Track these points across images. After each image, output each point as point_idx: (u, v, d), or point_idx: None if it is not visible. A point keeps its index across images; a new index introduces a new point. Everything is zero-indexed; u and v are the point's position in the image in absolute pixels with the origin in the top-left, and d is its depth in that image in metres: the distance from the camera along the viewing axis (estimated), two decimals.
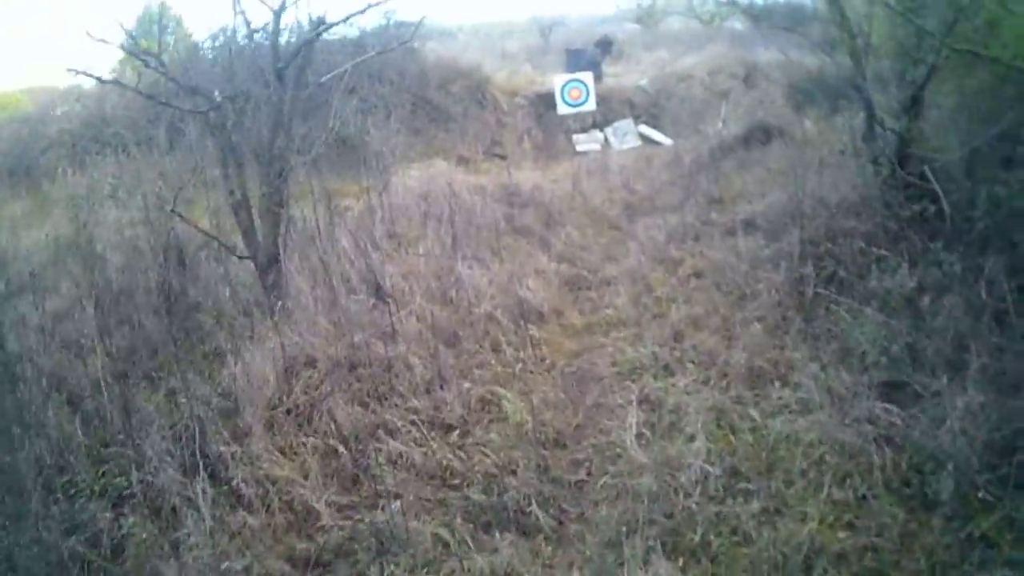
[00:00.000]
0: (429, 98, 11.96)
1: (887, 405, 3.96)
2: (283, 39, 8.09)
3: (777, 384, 4.43)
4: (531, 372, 5.04)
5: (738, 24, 15.53)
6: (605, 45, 15.48)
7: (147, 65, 6.63)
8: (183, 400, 4.65)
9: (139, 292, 6.45)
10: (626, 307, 5.81)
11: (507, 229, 7.07)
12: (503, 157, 11.97)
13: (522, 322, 5.47)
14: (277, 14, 6.78)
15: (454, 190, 8.13)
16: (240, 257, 6.44)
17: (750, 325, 5.08)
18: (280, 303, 5.73)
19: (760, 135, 9.87)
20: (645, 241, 6.83)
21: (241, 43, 11.71)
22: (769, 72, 13.38)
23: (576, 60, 13.74)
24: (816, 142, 9.31)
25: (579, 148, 12.48)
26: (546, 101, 13.00)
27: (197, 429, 4.27)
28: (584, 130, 12.78)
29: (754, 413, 4.22)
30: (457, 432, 4.41)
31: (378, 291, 5.95)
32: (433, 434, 4.37)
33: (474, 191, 8.81)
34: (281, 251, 6.38)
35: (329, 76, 7.72)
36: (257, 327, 5.64)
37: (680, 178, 8.55)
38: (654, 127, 12.86)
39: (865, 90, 6.65)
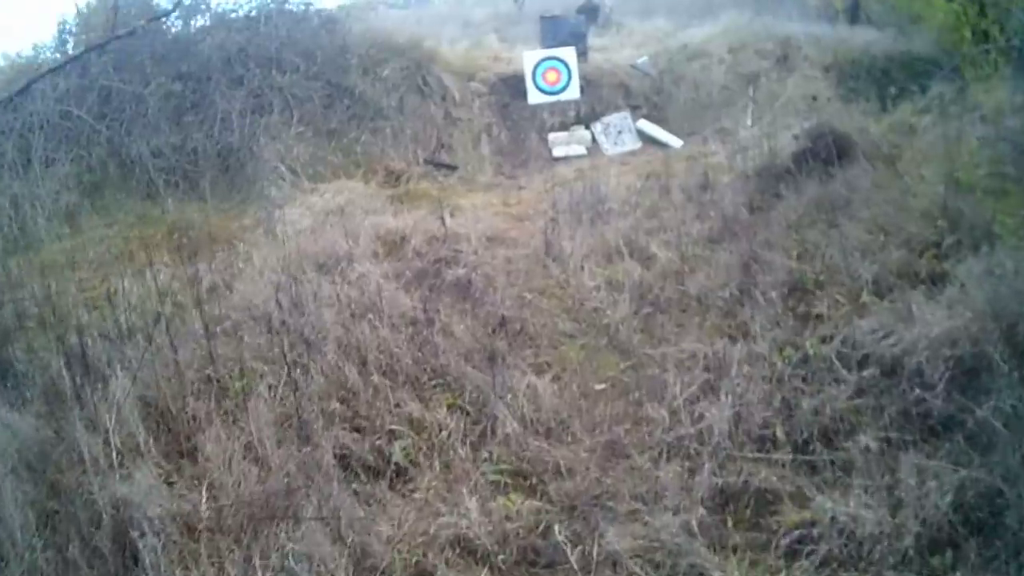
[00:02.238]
0: (349, 87, 8.60)
1: None
2: None
3: None
4: None
5: None
6: (590, 12, 12.07)
7: None
8: None
9: None
10: None
11: (412, 376, 3.82)
12: (451, 168, 8.69)
13: None
14: None
15: (344, 264, 4.91)
16: None
17: None
18: None
19: (825, 147, 6.63)
20: (688, 415, 3.51)
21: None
22: (807, 50, 10.13)
23: (554, 31, 10.37)
24: (910, 161, 6.19)
25: (557, 153, 9.20)
26: (513, 86, 9.68)
27: None
28: (565, 127, 9.49)
29: None
30: None
31: None
32: None
33: (386, 254, 5.57)
34: None
35: None
36: None
37: (722, 231, 5.30)
38: (658, 122, 9.58)
39: None
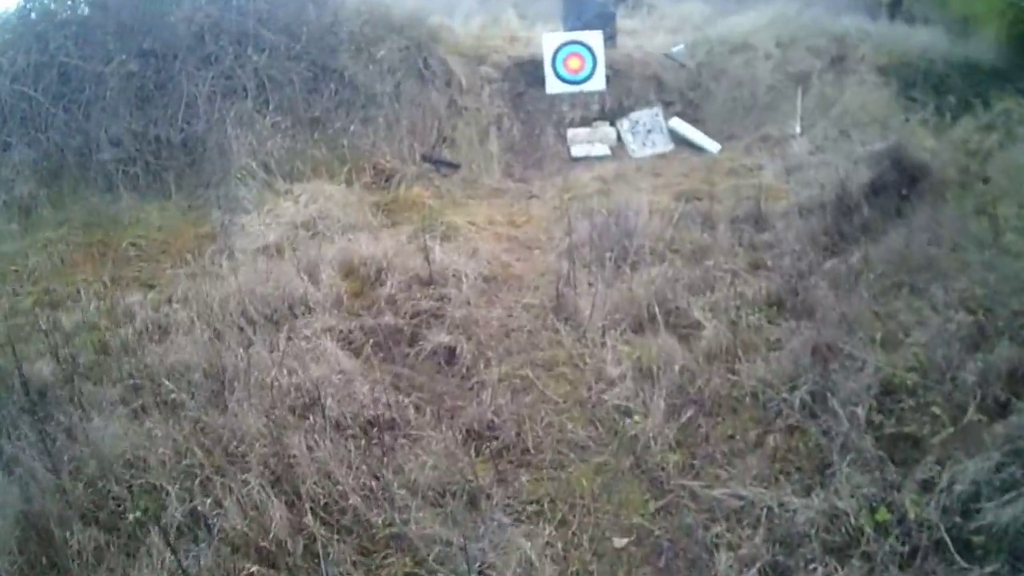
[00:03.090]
0: (338, 69, 7.39)
1: None
2: None
3: None
4: None
5: None
6: None
7: None
8: None
9: None
10: None
11: (362, 520, 2.69)
12: (453, 166, 7.52)
13: None
14: None
15: (298, 313, 3.79)
16: None
17: None
18: None
19: (898, 177, 5.44)
20: None
21: None
22: (863, 49, 8.82)
23: (578, 11, 9.09)
24: (991, 196, 5.08)
25: (576, 152, 7.99)
26: (529, 72, 8.45)
27: None
28: (587, 122, 8.26)
29: None
30: None
31: None
32: None
33: (353, 299, 4.44)
34: None
35: None
36: None
37: (784, 291, 4.13)
38: (694, 122, 8.34)
39: None
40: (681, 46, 9.01)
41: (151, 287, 5.15)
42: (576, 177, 7.29)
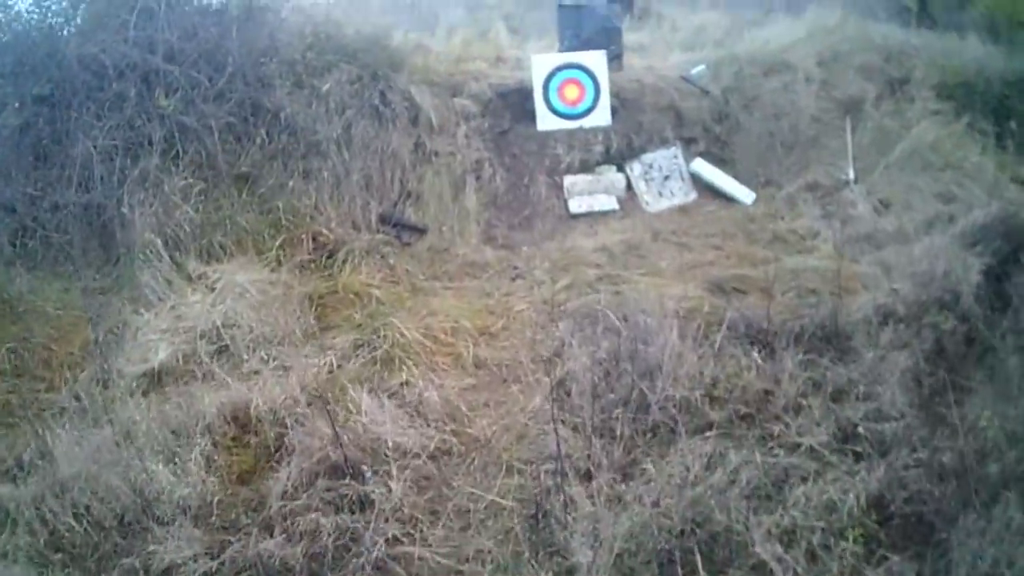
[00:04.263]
0: (272, 108, 5.84)
1: None
2: None
3: None
4: None
5: None
6: (626, 0, 9.09)
7: None
8: None
9: None
10: None
11: None
12: (418, 231, 5.98)
13: None
14: None
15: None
16: None
17: None
18: None
19: (1007, 247, 3.87)
20: None
21: None
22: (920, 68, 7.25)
23: (576, 25, 7.50)
24: None
25: (576, 208, 6.40)
26: (516, 104, 6.88)
27: None
28: (588, 167, 6.65)
29: None
30: None
31: None
32: None
33: (214, 514, 2.90)
34: None
35: None
36: None
37: (897, 518, 2.59)
38: (721, 163, 6.76)
39: None
40: (702, 67, 7.42)
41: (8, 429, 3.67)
42: (574, 245, 5.74)
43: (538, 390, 3.57)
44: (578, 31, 7.45)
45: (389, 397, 3.41)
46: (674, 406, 3.14)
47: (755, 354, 3.52)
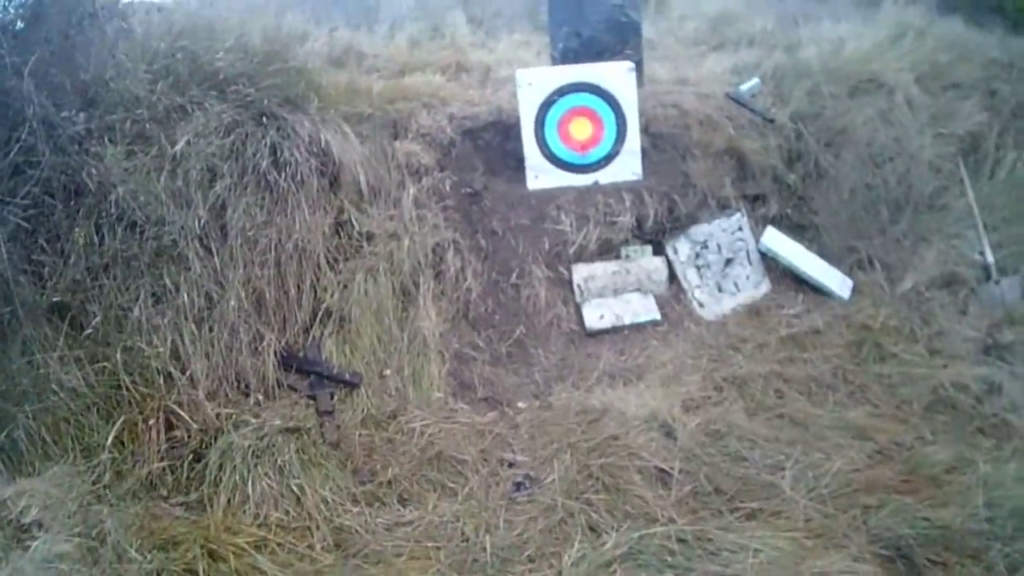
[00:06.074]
0: (96, 185, 3.30)
1: None
2: None
3: None
4: None
5: None
6: None
7: None
8: None
9: None
10: None
11: None
12: (346, 384, 3.55)
13: None
14: None
15: None
16: None
17: None
18: None
19: None
20: None
21: None
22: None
23: (575, 17, 5.08)
24: None
25: (594, 322, 4.06)
26: (494, 147, 4.50)
27: None
28: (609, 249, 4.29)
29: None
30: None
31: None
32: None
33: None
34: None
35: None
36: None
37: None
38: (798, 232, 4.52)
39: None
40: (756, 80, 5.11)
41: None
42: (600, 400, 3.46)
43: None
44: (579, 27, 5.06)
45: None
46: None
47: None
